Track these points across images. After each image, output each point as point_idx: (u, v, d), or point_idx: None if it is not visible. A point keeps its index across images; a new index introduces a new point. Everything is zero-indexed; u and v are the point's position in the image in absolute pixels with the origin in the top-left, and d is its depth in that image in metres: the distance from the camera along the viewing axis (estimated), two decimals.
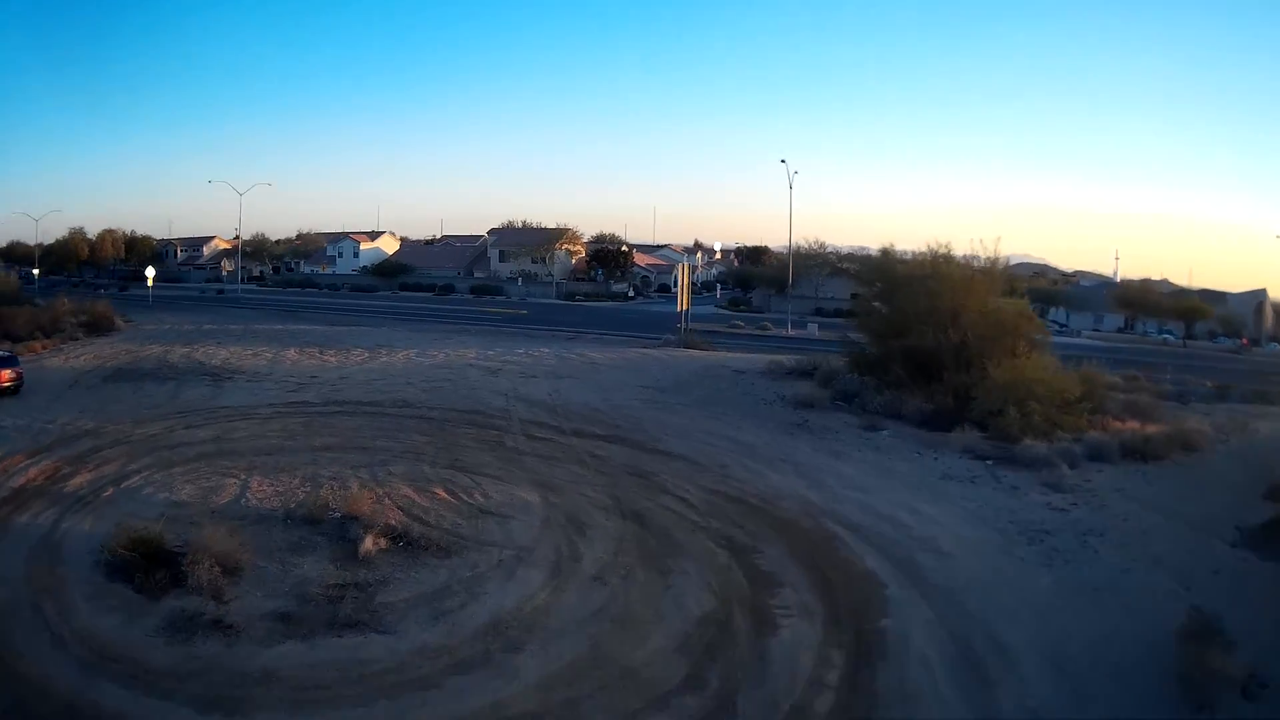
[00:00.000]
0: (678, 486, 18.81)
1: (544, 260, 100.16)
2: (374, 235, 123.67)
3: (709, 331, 49.86)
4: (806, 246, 79.78)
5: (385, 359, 36.47)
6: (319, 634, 11.74)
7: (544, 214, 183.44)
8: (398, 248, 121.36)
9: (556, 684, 10.70)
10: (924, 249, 29.63)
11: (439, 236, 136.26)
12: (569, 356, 38.02)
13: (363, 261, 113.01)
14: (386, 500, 16.78)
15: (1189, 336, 70.96)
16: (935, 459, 21.73)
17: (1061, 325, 71.86)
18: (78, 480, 18.16)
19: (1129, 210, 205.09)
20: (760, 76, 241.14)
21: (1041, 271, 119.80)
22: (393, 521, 15.50)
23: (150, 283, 72.19)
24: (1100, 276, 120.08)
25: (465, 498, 17.40)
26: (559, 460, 20.73)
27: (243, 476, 18.26)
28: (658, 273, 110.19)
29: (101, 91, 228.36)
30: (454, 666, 11.02)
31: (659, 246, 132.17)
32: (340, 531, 14.99)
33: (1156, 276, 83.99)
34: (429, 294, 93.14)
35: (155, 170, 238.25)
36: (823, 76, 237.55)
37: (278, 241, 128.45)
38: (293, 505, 16.44)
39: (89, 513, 16.18)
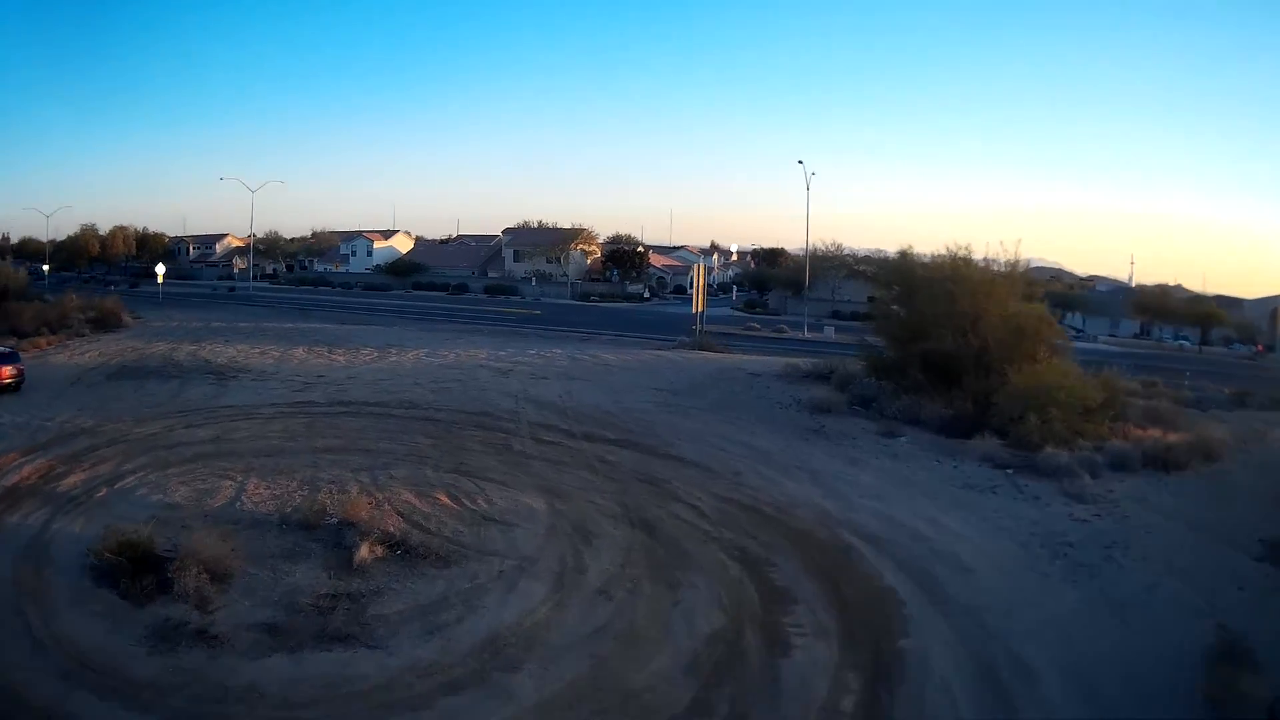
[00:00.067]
0: (689, 494, 18.17)
1: (559, 260, 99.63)
2: (388, 234, 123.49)
3: (724, 333, 49.34)
4: (823, 248, 79.22)
5: (394, 359, 35.96)
6: (307, 647, 11.19)
7: (560, 214, 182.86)
8: (411, 247, 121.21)
9: (554, 707, 10.09)
10: (943, 251, 28.99)
11: (454, 236, 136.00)
12: (581, 358, 37.41)
13: (376, 260, 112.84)
14: (386, 505, 16.19)
15: (1204, 342, 70.35)
16: (955, 467, 21.07)
17: (1078, 330, 71.02)
18: (71, 480, 17.74)
19: (1142, 214, 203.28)
20: (778, 78, 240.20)
21: (1057, 276, 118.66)
22: (391, 528, 14.92)
23: (160, 279, 72.15)
24: (1115, 281, 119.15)
25: (468, 504, 16.80)
26: (567, 465, 20.13)
27: (239, 478, 17.73)
28: (673, 274, 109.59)
29: (116, 88, 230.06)
30: (446, 686, 10.41)
31: (675, 248, 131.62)
32: (336, 538, 14.43)
33: (1170, 281, 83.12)
34: (442, 293, 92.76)
35: (170, 168, 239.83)
36: (840, 79, 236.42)
37: (291, 239, 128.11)
38: (289, 509, 15.88)
39: (80, 514, 15.74)
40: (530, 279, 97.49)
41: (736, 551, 15.00)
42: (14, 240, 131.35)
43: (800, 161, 63.36)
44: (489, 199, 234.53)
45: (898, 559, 15.03)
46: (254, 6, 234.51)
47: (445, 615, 12.13)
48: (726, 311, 75.05)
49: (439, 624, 11.89)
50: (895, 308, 30.22)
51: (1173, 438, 22.14)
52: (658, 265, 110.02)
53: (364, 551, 13.62)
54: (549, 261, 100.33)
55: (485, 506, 16.69)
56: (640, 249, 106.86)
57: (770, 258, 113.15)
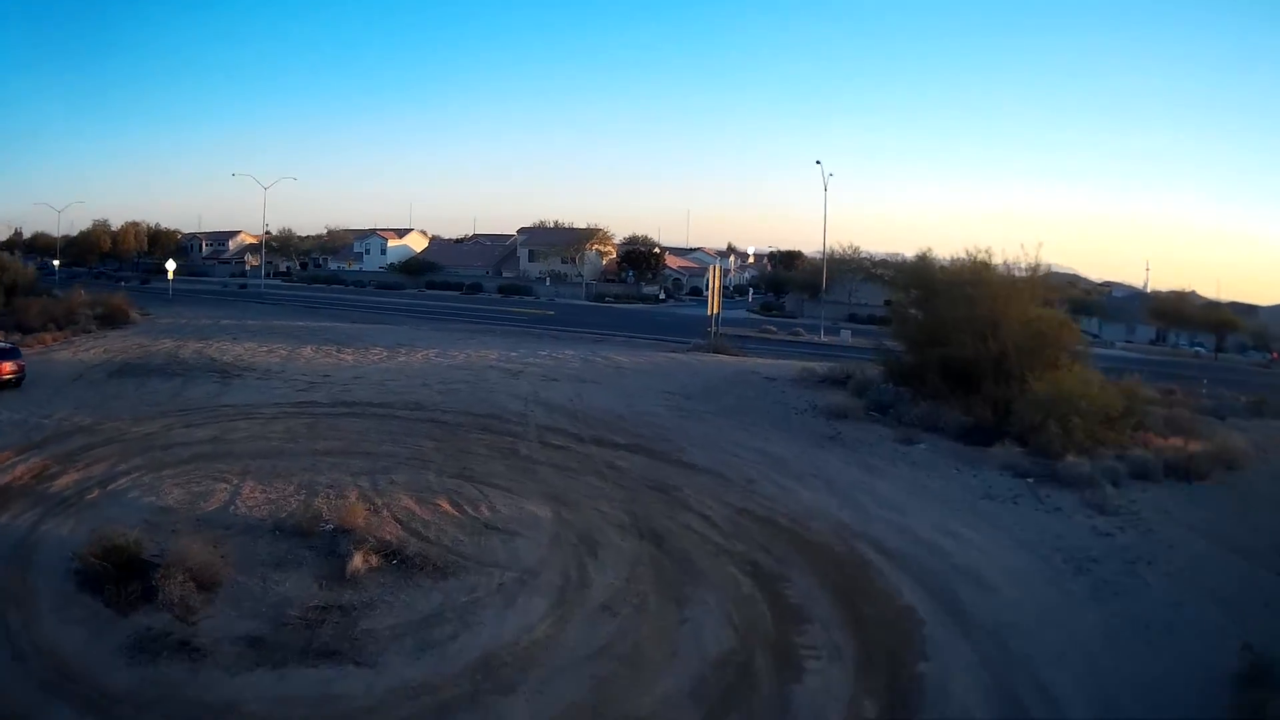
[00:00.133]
0: (700, 503, 17.52)
1: (574, 261, 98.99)
2: (402, 233, 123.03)
3: (740, 336, 48.86)
4: (840, 251, 78.46)
5: (404, 358, 35.42)
6: (291, 663, 10.66)
7: (576, 214, 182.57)
8: (426, 246, 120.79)
9: None
10: (961, 255, 28.60)
11: (470, 235, 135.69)
12: (594, 360, 36.72)
13: (390, 259, 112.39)
14: (384, 512, 15.61)
15: (1220, 349, 69.67)
16: (974, 476, 20.40)
17: (1095, 336, 70.23)
18: (64, 480, 17.32)
19: (1157, 220, 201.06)
20: (798, 80, 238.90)
21: (1072, 281, 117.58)
22: (388, 536, 14.35)
23: (170, 276, 71.90)
24: (1130, 287, 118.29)
25: (470, 511, 16.19)
26: (575, 471, 19.51)
27: (235, 481, 17.19)
28: (690, 275, 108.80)
29: (131, 84, 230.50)
30: (436, 709, 9.81)
31: (692, 249, 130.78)
32: (331, 546, 13.85)
33: (1184, 288, 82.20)
34: (456, 293, 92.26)
35: (186, 165, 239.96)
36: (859, 82, 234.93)
37: (305, 237, 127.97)
38: (283, 515, 15.31)
39: (70, 516, 15.30)
40: (545, 279, 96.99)
41: (749, 566, 14.35)
42: (26, 235, 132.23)
43: (818, 162, 62.83)
44: (506, 198, 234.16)
45: (916, 575, 14.42)
46: (276, 3, 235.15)
47: (439, 631, 11.54)
48: (742, 314, 74.48)
49: (432, 641, 11.29)
50: (913, 311, 29.70)
51: (1194, 447, 21.78)
52: (674, 266, 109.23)
53: (357, 561, 13.02)
54: (564, 262, 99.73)
55: (488, 514, 16.09)
56: (656, 250, 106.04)
57: (787, 260, 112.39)
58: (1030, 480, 19.92)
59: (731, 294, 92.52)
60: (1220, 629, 12.57)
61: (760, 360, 38.91)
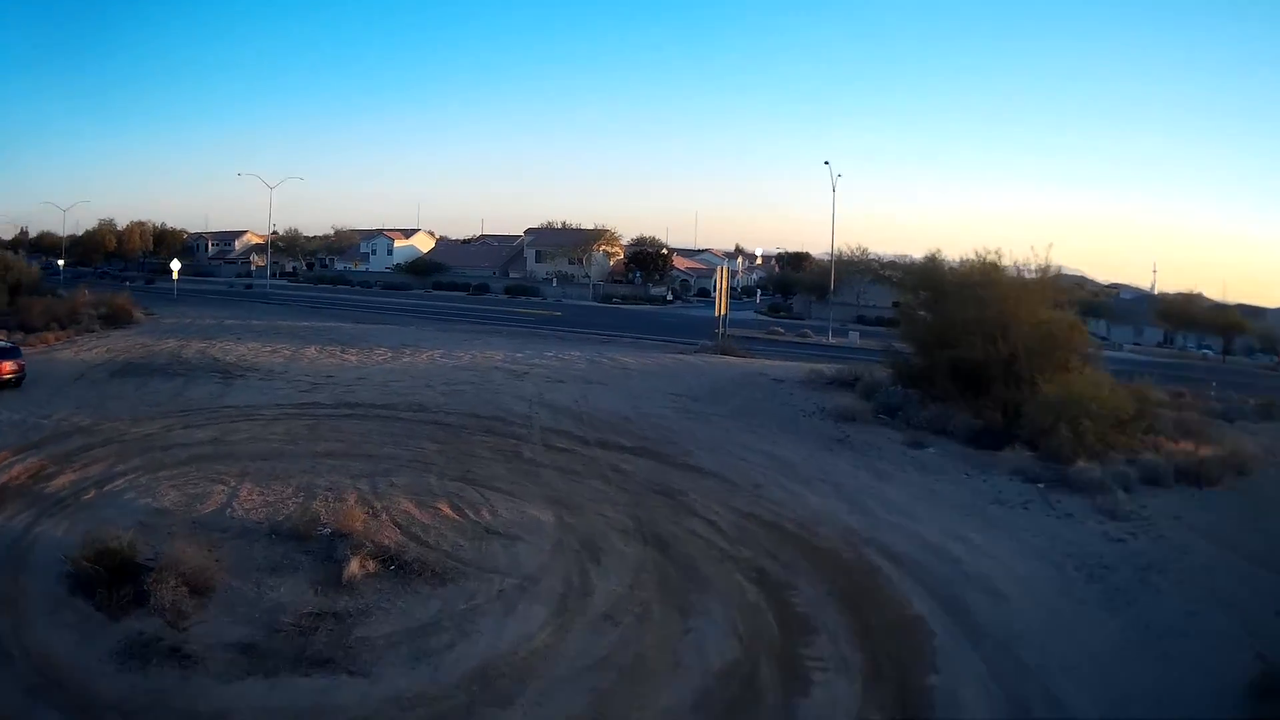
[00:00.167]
0: (706, 508, 17.21)
1: (581, 261, 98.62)
2: (409, 233, 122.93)
3: (747, 338, 48.58)
4: (848, 253, 78.03)
5: (408, 359, 35.16)
6: (283, 671, 10.39)
7: (584, 215, 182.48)
8: (433, 246, 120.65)
9: None
10: (970, 256, 28.28)
11: (477, 236, 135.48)
12: (601, 361, 36.40)
13: (397, 259, 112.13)
14: (383, 516, 15.32)
15: (1228, 351, 69.23)
16: (984, 481, 20.11)
17: (1103, 338, 69.87)
18: (61, 481, 17.15)
19: (1163, 222, 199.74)
20: (805, 81, 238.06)
21: (1080, 283, 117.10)
22: (387, 541, 14.06)
23: (175, 275, 71.83)
24: (1137, 289, 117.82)
25: (471, 515, 15.90)
26: (579, 474, 19.21)
27: (233, 483, 16.93)
28: (697, 277, 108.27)
29: (138, 83, 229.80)
30: None
31: (700, 251, 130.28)
32: (328, 550, 13.58)
33: (1189, 290, 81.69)
34: (463, 293, 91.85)
35: (193, 165, 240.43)
36: (867, 83, 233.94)
37: (311, 237, 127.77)
38: (281, 518, 15.06)
39: (65, 517, 15.12)
40: (552, 280, 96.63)
41: (755, 573, 14.04)
42: (32, 234, 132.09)
43: (826, 163, 62.52)
44: (514, 199, 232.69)
45: (927, 583, 14.12)
46: (285, 3, 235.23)
47: (436, 640, 11.24)
48: (750, 315, 74.18)
49: (428, 650, 11.00)
50: (922, 313, 29.42)
51: (1205, 451, 21.63)
52: (681, 268, 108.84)
53: (354, 566, 12.75)
54: (571, 263, 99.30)
55: (489, 518, 15.79)
56: (664, 251, 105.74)
57: (795, 262, 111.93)
58: (1041, 485, 19.69)
59: (739, 295, 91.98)
60: (1234, 639, 12.32)
61: (768, 362, 38.49)
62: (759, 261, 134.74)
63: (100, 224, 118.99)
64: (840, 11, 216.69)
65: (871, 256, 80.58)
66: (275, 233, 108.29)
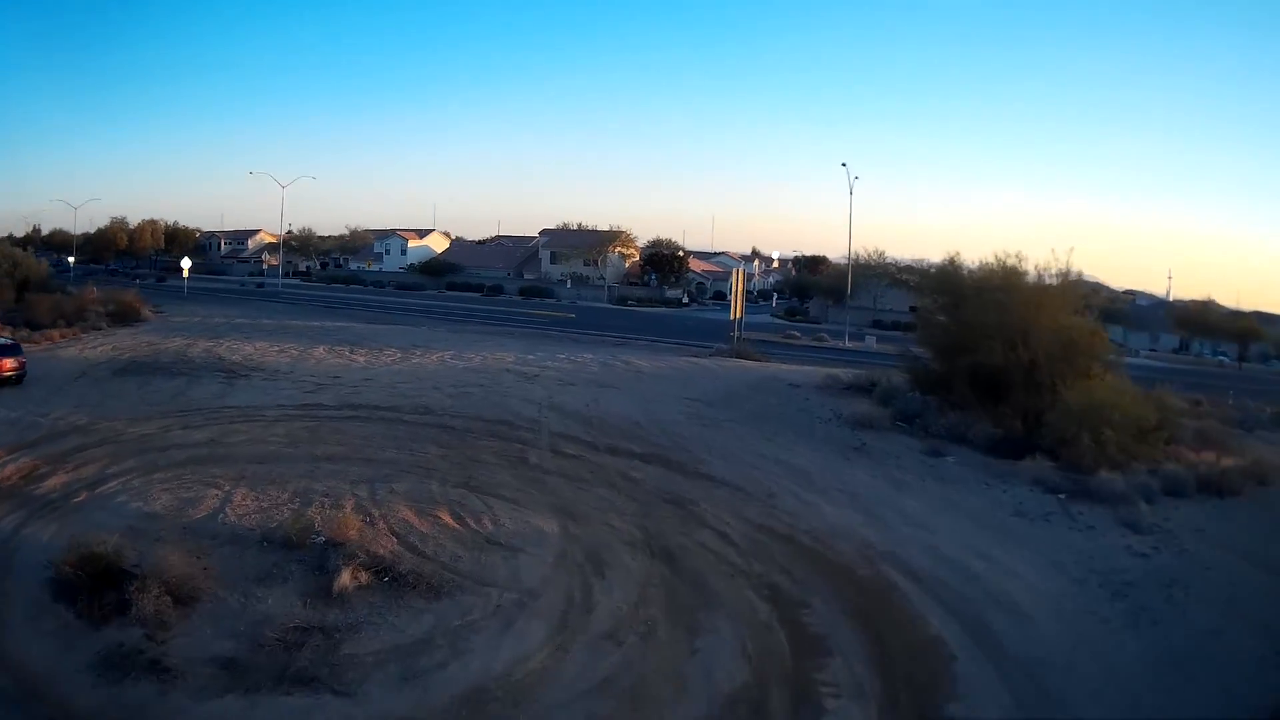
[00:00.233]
0: (718, 519, 16.57)
1: (596, 263, 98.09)
2: (423, 233, 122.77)
3: (763, 341, 48.01)
4: (865, 256, 77.22)
5: (418, 360, 34.65)
6: (264, 689, 9.89)
7: (599, 216, 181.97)
8: (447, 246, 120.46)
9: None
10: (989, 260, 27.51)
11: (492, 237, 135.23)
12: (613, 364, 35.80)
13: (411, 259, 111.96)
14: (380, 524, 14.73)
15: (1243, 358, 68.86)
16: (1004, 491, 19.47)
17: (1121, 344, 69.19)
18: (53, 482, 16.76)
19: (1176, 229, 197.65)
20: (823, 84, 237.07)
21: (1096, 288, 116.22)
22: (382, 551, 13.47)
23: (186, 274, 71.66)
24: (1152, 295, 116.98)
25: (472, 524, 15.28)
26: (586, 482, 18.59)
27: (227, 488, 16.39)
28: (713, 279, 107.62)
29: (153, 81, 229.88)
30: None
31: (716, 253, 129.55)
32: (320, 560, 13.02)
33: (1204, 296, 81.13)
34: (476, 294, 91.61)
35: (208, 164, 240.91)
36: (884, 87, 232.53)
37: (325, 237, 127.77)
38: (273, 525, 14.48)
39: (54, 520, 14.70)
40: (566, 281, 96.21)
41: (767, 589, 13.40)
42: (45, 232, 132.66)
43: (844, 164, 61.72)
44: (530, 200, 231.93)
45: (946, 601, 13.51)
46: (301, 1, 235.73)
47: (427, 659, 10.65)
48: (766, 319, 73.64)
49: (418, 669, 10.42)
50: (941, 318, 28.68)
51: (1226, 461, 21.27)
52: (697, 270, 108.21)
53: (346, 578, 12.16)
54: (586, 264, 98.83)
55: (490, 528, 15.18)
56: (680, 253, 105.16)
57: (811, 265, 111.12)
58: (1062, 496, 19.21)
59: (755, 299, 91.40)
60: (1260, 659, 12.02)
61: (784, 366, 37.84)
62: (775, 264, 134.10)
63: (112, 222, 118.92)
64: (858, 14, 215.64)
65: (889, 260, 79.64)
66: (290, 232, 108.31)
